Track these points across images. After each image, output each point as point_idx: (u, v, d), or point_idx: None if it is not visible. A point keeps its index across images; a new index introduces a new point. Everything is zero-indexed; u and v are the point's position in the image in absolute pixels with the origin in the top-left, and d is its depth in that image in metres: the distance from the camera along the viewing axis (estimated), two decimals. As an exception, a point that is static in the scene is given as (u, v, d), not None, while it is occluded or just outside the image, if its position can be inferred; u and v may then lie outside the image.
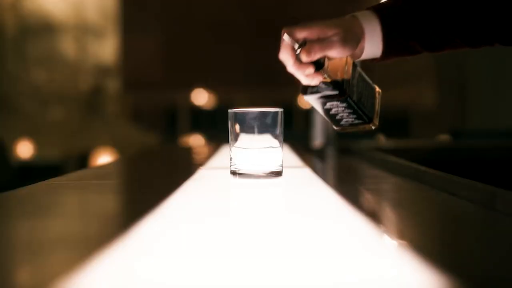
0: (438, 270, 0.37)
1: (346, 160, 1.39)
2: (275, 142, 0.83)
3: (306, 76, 0.77)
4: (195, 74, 6.47)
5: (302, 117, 6.02)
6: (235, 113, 0.83)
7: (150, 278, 0.35)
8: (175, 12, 6.47)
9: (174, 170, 1.24)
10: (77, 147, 5.12)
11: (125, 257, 0.40)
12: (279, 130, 0.83)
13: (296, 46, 0.76)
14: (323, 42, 0.75)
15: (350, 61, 0.79)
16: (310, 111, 1.74)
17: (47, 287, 0.34)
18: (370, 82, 0.84)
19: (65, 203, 0.71)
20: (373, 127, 0.83)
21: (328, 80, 0.78)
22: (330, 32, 0.75)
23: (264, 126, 0.82)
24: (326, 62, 0.77)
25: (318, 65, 0.76)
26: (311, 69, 0.76)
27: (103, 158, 4.91)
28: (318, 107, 0.82)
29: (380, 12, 0.79)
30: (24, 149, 5.00)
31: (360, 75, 0.82)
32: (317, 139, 1.70)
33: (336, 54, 0.76)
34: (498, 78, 4.60)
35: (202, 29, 6.43)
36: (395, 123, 5.99)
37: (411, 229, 0.54)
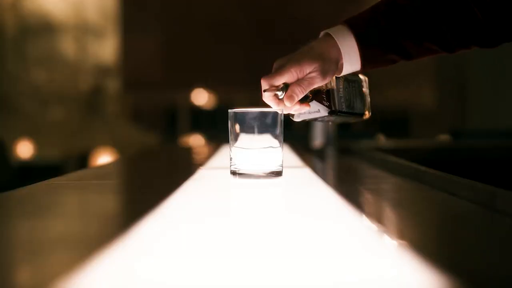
0: (438, 270, 0.37)
1: (346, 160, 1.39)
2: (275, 142, 0.83)
3: (294, 111, 0.82)
4: (195, 74, 6.47)
5: (302, 117, 6.02)
6: (235, 113, 0.83)
7: (150, 278, 0.35)
8: (175, 12, 6.47)
9: (174, 170, 1.24)
10: (77, 147, 5.12)
11: (125, 257, 0.40)
12: (279, 130, 0.83)
13: (279, 93, 0.77)
14: (303, 82, 0.77)
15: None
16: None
17: (47, 287, 0.34)
18: (356, 78, 0.85)
19: (65, 203, 0.71)
20: (366, 117, 0.86)
21: (315, 105, 0.81)
22: (308, 69, 0.76)
23: (264, 126, 0.82)
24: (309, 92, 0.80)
25: (303, 97, 0.79)
26: (297, 106, 0.80)
27: (103, 158, 4.91)
28: (310, 120, 0.86)
29: (355, 27, 0.78)
30: (24, 149, 5.00)
31: (344, 81, 0.83)
32: (317, 139, 1.70)
33: (318, 85, 0.78)
34: (498, 78, 4.60)
35: (202, 29, 6.43)
36: (395, 123, 5.99)
37: (411, 229, 0.54)
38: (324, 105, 0.80)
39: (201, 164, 1.20)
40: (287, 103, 0.77)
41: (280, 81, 0.77)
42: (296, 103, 0.78)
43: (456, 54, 0.83)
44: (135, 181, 1.02)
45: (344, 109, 0.81)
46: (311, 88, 0.77)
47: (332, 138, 1.69)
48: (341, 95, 0.81)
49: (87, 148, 5.10)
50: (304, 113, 0.84)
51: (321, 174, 1.06)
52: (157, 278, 0.35)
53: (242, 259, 0.40)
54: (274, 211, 0.64)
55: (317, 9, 5.91)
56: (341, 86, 0.82)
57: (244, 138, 0.83)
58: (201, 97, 6.65)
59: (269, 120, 0.83)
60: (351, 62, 0.79)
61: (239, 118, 0.83)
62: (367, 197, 0.76)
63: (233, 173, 0.85)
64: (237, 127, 0.83)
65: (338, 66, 0.79)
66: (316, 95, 0.81)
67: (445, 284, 0.34)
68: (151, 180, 0.98)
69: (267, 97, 0.79)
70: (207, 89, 6.61)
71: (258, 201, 0.70)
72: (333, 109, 0.80)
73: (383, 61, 0.81)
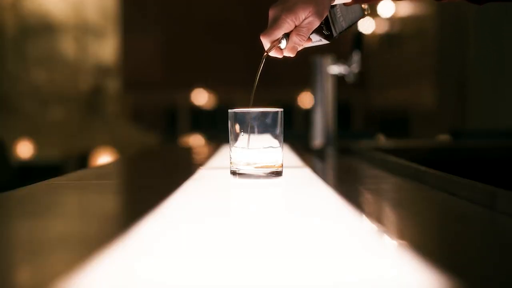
0: (438, 270, 0.37)
1: (346, 160, 1.39)
2: (275, 142, 0.83)
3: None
4: (195, 74, 6.47)
5: (302, 117, 6.03)
6: (235, 113, 0.83)
7: (150, 278, 0.35)
8: (175, 12, 6.47)
9: (174, 170, 1.24)
10: (77, 147, 5.12)
11: (125, 257, 0.40)
12: (279, 130, 0.83)
13: (280, 45, 0.78)
14: (301, 30, 0.77)
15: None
16: (310, 111, 1.74)
17: (47, 287, 0.34)
18: (354, 9, 0.85)
19: (65, 203, 0.71)
20: (367, 13, 0.85)
21: (315, 37, 0.81)
22: (303, 15, 0.76)
23: (264, 126, 0.82)
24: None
25: None
26: (301, 47, 0.80)
27: (103, 158, 4.91)
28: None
29: None
30: (24, 149, 5.00)
31: (340, 8, 0.82)
32: (317, 139, 1.70)
33: (316, 25, 0.78)
34: (498, 77, 4.60)
35: (202, 29, 6.43)
36: (395, 123, 5.98)
37: (411, 229, 0.54)
38: (323, 35, 0.80)
39: (201, 164, 1.20)
40: (290, 54, 0.78)
41: (278, 34, 0.77)
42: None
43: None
44: (135, 181, 1.02)
45: (344, 27, 0.82)
46: (311, 32, 0.78)
47: (332, 138, 1.69)
48: (338, 14, 0.81)
49: (87, 148, 5.10)
50: None
51: (321, 174, 1.06)
52: (157, 278, 0.35)
53: (242, 259, 0.40)
54: (274, 211, 0.64)
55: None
56: (338, 15, 0.82)
57: (244, 138, 0.83)
58: (201, 97, 6.65)
59: (269, 120, 0.83)
60: None
61: (239, 118, 0.83)
62: (367, 197, 0.76)
63: (233, 173, 0.85)
64: (237, 127, 0.83)
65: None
66: (315, 31, 0.81)
67: (445, 284, 0.34)
68: (151, 180, 0.98)
69: (272, 52, 0.80)
70: (207, 89, 6.61)
71: (258, 201, 0.70)
72: (334, 36, 0.80)
73: None
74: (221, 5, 6.49)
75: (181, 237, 0.47)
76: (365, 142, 1.93)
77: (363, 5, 0.86)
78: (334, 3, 0.80)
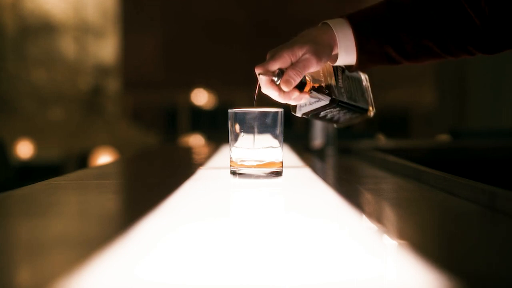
0: (438, 270, 0.37)
1: (346, 160, 1.39)
2: (275, 142, 0.83)
3: (293, 100, 0.79)
4: (195, 74, 6.48)
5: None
6: (235, 113, 0.83)
7: (150, 278, 0.35)
8: (175, 12, 6.47)
9: (174, 170, 1.24)
10: (77, 147, 5.12)
11: (125, 257, 0.40)
12: (279, 130, 0.83)
13: (275, 79, 0.77)
14: (297, 65, 0.76)
15: (329, 67, 0.81)
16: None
17: (47, 287, 0.34)
18: (355, 75, 0.85)
19: (65, 203, 0.71)
20: (371, 115, 0.86)
21: (315, 94, 0.79)
22: (300, 52, 0.76)
23: (264, 126, 0.82)
24: (308, 78, 0.79)
25: (301, 85, 0.79)
26: (296, 94, 0.78)
27: (103, 158, 4.91)
28: (313, 118, 0.85)
29: (352, 18, 0.79)
30: (24, 149, 5.00)
31: (343, 74, 0.83)
32: (317, 139, 1.70)
33: (314, 69, 0.77)
34: (498, 78, 4.60)
35: (202, 29, 6.43)
36: (395, 123, 5.99)
37: (411, 229, 0.54)
38: (324, 93, 0.80)
39: (201, 164, 1.20)
40: (284, 87, 0.76)
41: (274, 66, 0.76)
42: (294, 89, 0.77)
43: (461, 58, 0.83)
44: (135, 181, 1.02)
45: (345, 100, 0.81)
46: (307, 71, 0.76)
47: (332, 138, 1.69)
48: (341, 85, 0.81)
49: (87, 148, 5.10)
50: (305, 105, 0.83)
51: (321, 174, 1.06)
52: (157, 278, 0.35)
53: (242, 259, 0.40)
54: (274, 211, 0.64)
55: (316, 8, 5.91)
56: (340, 78, 0.82)
57: (244, 138, 0.83)
58: (201, 97, 6.65)
59: (269, 120, 0.83)
60: (346, 52, 0.79)
61: (239, 118, 0.83)
62: (367, 197, 0.76)
63: (233, 173, 0.85)
64: (237, 127, 0.83)
65: (332, 52, 0.78)
66: (316, 89, 0.80)
67: (445, 284, 0.34)
68: (151, 180, 0.98)
69: (265, 87, 0.78)
70: (207, 89, 6.61)
71: (258, 201, 0.70)
72: (334, 98, 0.80)
73: (380, 56, 0.80)
74: (221, 5, 6.49)
75: (181, 237, 0.47)
76: (365, 142, 1.93)
77: (366, 80, 0.86)
78: (337, 64, 0.81)
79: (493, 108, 4.65)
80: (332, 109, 0.81)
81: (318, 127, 1.70)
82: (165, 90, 6.47)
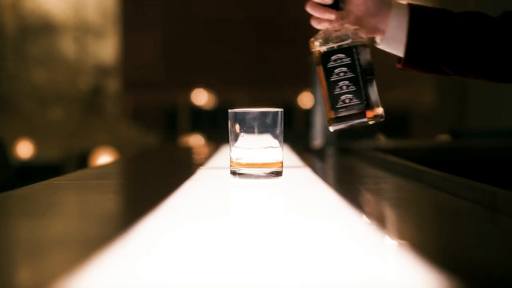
0: (438, 270, 0.37)
1: (346, 160, 1.39)
2: (275, 142, 0.83)
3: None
4: (195, 74, 6.47)
5: (302, 117, 6.02)
6: (235, 113, 0.83)
7: (150, 278, 0.35)
8: (175, 12, 6.47)
9: (174, 170, 1.24)
10: (77, 147, 5.12)
11: (125, 257, 0.40)
12: (279, 130, 0.83)
13: None
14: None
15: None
16: (310, 111, 1.74)
17: (47, 287, 0.34)
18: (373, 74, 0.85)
19: (65, 203, 0.71)
20: (370, 120, 0.83)
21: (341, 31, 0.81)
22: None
23: (264, 126, 0.82)
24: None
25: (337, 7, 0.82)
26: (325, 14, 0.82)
27: (103, 158, 4.91)
28: (348, 126, 0.83)
29: (411, 6, 0.81)
30: (24, 149, 5.00)
31: (369, 58, 0.83)
32: (317, 139, 1.70)
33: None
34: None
35: (202, 29, 6.43)
36: (395, 123, 5.99)
37: (411, 229, 0.54)
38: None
39: (201, 164, 1.20)
40: None
41: None
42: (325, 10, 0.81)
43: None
44: (135, 181, 1.02)
45: (362, 65, 0.81)
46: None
47: (332, 138, 1.69)
48: (361, 58, 0.82)
49: (87, 148, 5.10)
50: (340, 123, 0.83)
51: (321, 174, 1.06)
52: (157, 278, 0.35)
53: (242, 259, 0.40)
54: (274, 211, 0.64)
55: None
56: (364, 56, 0.83)
57: (244, 138, 0.83)
58: (201, 97, 6.65)
59: (269, 120, 0.83)
60: (396, 26, 0.81)
61: (239, 118, 0.83)
62: (367, 197, 0.76)
63: (233, 173, 0.85)
64: (237, 127, 0.83)
65: (383, 18, 0.81)
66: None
67: (445, 284, 0.34)
68: (151, 180, 0.98)
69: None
70: (207, 89, 6.61)
71: (258, 201, 0.70)
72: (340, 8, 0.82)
73: (428, 58, 0.81)
74: (221, 5, 6.49)
75: (181, 237, 0.47)
76: (365, 142, 1.93)
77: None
78: (385, 43, 0.83)
79: (493, 108, 4.65)
80: (346, 69, 0.81)
81: (318, 127, 1.70)
82: (165, 90, 6.47)
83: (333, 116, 0.83)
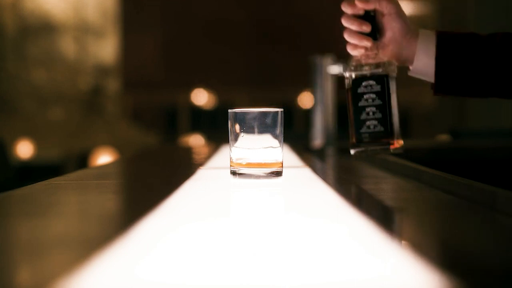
0: (438, 270, 0.37)
1: (346, 160, 1.39)
2: (275, 142, 0.83)
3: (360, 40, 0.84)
4: (195, 74, 6.47)
5: (302, 117, 6.03)
6: (235, 113, 0.83)
7: (150, 278, 0.35)
8: (175, 12, 6.47)
9: (174, 170, 1.24)
10: (77, 147, 5.12)
11: (125, 257, 0.40)
12: (279, 130, 0.83)
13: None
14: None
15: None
16: (310, 111, 1.74)
17: (47, 287, 0.34)
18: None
19: (65, 203, 0.71)
20: (392, 147, 0.85)
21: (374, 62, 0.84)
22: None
23: (264, 126, 0.82)
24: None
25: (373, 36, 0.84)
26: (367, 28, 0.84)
27: (103, 158, 4.91)
28: (369, 152, 0.85)
29: (438, 33, 0.84)
30: (24, 149, 5.00)
31: (395, 91, 0.87)
32: (317, 139, 1.70)
33: (387, 10, 0.83)
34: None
35: (202, 29, 6.43)
36: (395, 123, 5.98)
37: (411, 229, 0.54)
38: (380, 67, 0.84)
39: (201, 164, 1.20)
40: (359, 3, 0.83)
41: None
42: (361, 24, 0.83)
43: None
44: (135, 181, 1.02)
45: (390, 93, 0.84)
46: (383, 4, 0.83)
47: (332, 138, 1.69)
48: (392, 89, 0.86)
49: (87, 148, 5.10)
50: (362, 147, 0.85)
51: (321, 174, 1.06)
52: (157, 278, 0.35)
53: (242, 259, 0.40)
54: (274, 211, 0.64)
55: (317, 8, 5.91)
56: (393, 87, 0.86)
57: (244, 138, 0.83)
58: (201, 97, 6.65)
59: (269, 120, 0.83)
60: (424, 52, 0.84)
61: (239, 118, 0.83)
62: (367, 197, 0.76)
63: (233, 173, 0.85)
64: (237, 127, 0.83)
65: (410, 45, 0.84)
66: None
67: (445, 284, 0.34)
68: (151, 180, 0.98)
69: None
70: (207, 89, 6.61)
71: (258, 201, 0.70)
72: (386, 74, 0.84)
73: (458, 79, 0.84)
74: (221, 5, 6.49)
75: (181, 237, 0.47)
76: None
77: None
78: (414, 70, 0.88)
79: (493, 108, 4.65)
80: (375, 96, 0.83)
81: (318, 127, 1.70)
82: (165, 90, 6.47)
83: (356, 140, 0.85)
